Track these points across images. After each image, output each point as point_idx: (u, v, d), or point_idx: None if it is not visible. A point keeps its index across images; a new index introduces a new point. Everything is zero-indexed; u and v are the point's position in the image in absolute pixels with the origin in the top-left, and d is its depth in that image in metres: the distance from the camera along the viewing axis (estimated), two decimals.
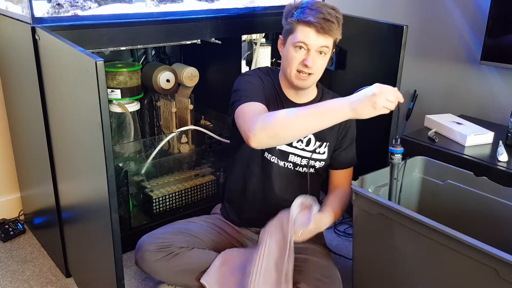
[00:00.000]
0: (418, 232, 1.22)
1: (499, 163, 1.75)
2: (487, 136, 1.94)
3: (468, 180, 1.49)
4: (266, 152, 1.49)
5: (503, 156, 1.77)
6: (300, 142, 1.49)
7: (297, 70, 1.39)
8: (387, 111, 1.18)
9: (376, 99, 1.15)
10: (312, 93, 1.51)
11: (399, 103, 1.20)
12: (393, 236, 1.29)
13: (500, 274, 1.06)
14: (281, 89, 1.49)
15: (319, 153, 1.51)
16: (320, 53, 1.37)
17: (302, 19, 1.34)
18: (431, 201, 1.58)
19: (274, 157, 1.49)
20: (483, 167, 1.74)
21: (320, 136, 1.49)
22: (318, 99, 1.51)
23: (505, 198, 1.42)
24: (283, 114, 1.23)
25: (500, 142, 1.87)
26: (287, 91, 1.48)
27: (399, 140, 1.29)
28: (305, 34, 1.35)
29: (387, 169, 1.53)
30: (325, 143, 1.51)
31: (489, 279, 1.09)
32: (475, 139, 1.91)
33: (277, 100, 1.47)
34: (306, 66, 1.36)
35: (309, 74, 1.39)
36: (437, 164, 1.57)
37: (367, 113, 1.17)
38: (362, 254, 1.42)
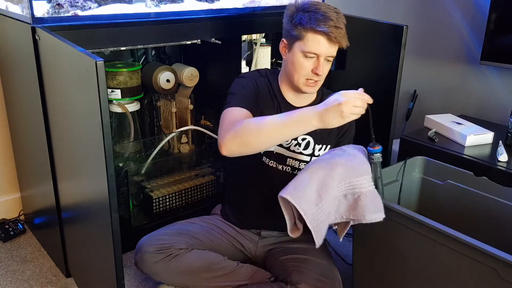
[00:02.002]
0: (418, 232, 1.22)
1: (499, 163, 1.75)
2: (487, 136, 1.94)
3: (468, 180, 1.49)
4: (264, 157, 1.48)
5: (503, 156, 1.77)
6: (297, 146, 1.48)
7: (306, 78, 1.39)
8: (356, 117, 1.15)
9: (343, 108, 1.12)
10: (312, 95, 1.50)
11: (369, 106, 1.16)
12: (393, 236, 1.29)
13: (500, 274, 1.06)
14: (280, 91, 1.48)
15: (318, 156, 1.50)
16: (327, 59, 1.38)
17: (313, 28, 1.32)
18: (431, 201, 1.58)
19: (272, 161, 1.48)
20: (483, 167, 1.74)
21: (319, 139, 1.49)
22: (318, 101, 1.50)
23: (505, 198, 1.42)
24: (253, 123, 1.23)
25: (500, 142, 1.87)
26: (287, 93, 1.48)
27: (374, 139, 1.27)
28: (316, 43, 1.33)
29: (387, 169, 1.53)
30: (325, 146, 1.50)
31: (489, 279, 1.09)
32: (475, 139, 1.91)
33: (274, 103, 1.47)
34: (316, 74, 1.36)
35: (317, 80, 1.39)
36: (437, 164, 1.57)
37: (335, 123, 1.15)
38: (362, 254, 1.42)
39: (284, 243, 1.56)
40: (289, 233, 1.27)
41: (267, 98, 1.46)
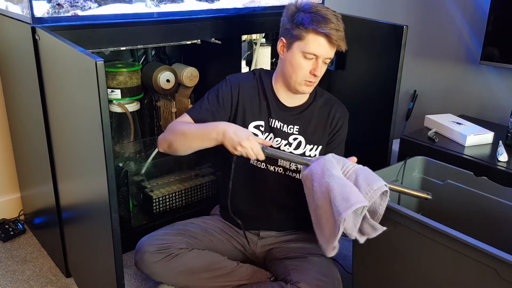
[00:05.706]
0: (418, 232, 1.22)
1: (499, 163, 1.75)
2: (487, 136, 1.94)
3: (468, 180, 1.49)
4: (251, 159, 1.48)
5: (503, 156, 1.77)
6: (288, 145, 1.48)
7: (304, 79, 1.39)
8: (236, 151, 1.28)
9: (244, 138, 1.26)
10: (305, 95, 1.50)
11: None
12: (393, 236, 1.29)
13: (500, 274, 1.06)
14: (272, 90, 1.48)
15: (309, 156, 1.49)
16: (324, 61, 1.39)
17: (315, 29, 1.32)
18: (431, 201, 1.57)
19: (262, 163, 1.48)
20: (483, 167, 1.74)
21: (310, 139, 1.49)
22: (310, 101, 1.50)
23: (505, 198, 1.42)
24: (180, 129, 1.38)
25: (500, 142, 1.87)
26: (280, 93, 1.48)
27: None
28: (317, 44, 1.34)
29: (387, 169, 1.53)
30: (316, 146, 1.50)
31: (489, 279, 1.09)
32: (475, 139, 1.91)
33: (262, 105, 1.47)
34: (314, 75, 1.37)
35: (313, 81, 1.40)
36: (437, 164, 1.57)
37: (228, 144, 1.29)
38: (362, 254, 1.42)
39: (283, 242, 1.56)
40: (328, 254, 1.22)
41: (253, 102, 1.47)
